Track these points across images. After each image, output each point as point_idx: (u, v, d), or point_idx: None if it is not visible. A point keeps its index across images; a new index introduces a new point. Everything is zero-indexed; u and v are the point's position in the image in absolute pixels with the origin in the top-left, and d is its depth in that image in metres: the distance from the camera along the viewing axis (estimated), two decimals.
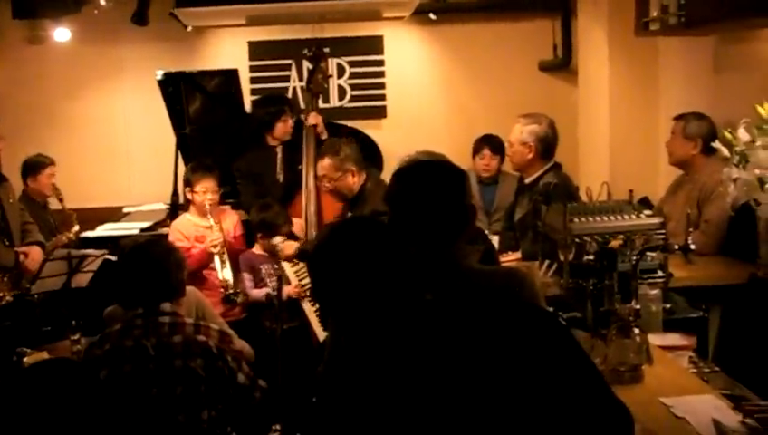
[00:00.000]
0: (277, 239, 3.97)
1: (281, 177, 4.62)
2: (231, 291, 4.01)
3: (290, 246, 3.99)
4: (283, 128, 4.63)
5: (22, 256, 4.03)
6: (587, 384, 1.45)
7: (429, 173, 2.00)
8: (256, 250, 4.18)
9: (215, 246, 4.05)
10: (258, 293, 4.06)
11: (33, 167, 5.03)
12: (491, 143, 5.11)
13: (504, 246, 3.80)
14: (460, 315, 1.48)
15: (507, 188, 4.72)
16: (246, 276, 4.12)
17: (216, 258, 4.06)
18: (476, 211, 2.07)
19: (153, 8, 5.54)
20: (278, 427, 3.62)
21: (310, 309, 3.94)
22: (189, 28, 5.70)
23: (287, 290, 3.88)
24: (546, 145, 3.72)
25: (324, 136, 4.37)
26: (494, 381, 1.39)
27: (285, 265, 4.01)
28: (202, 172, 4.14)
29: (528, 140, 3.70)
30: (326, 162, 3.84)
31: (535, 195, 3.60)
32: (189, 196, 4.18)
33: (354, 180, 3.83)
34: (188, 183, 4.16)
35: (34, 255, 4.09)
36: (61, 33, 6.00)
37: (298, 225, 4.22)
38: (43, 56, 6.21)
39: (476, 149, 5.21)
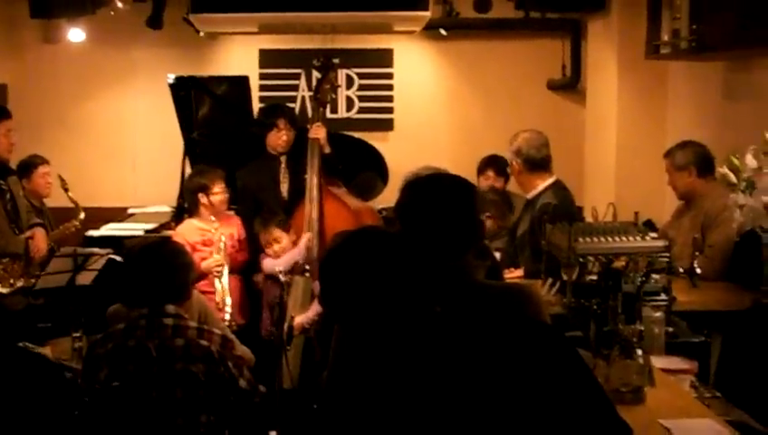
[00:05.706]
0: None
1: (284, 187, 4.59)
2: (228, 316, 4.01)
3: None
4: (275, 139, 4.48)
5: (30, 241, 4.12)
6: (591, 401, 1.46)
7: (440, 186, 2.01)
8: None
9: (217, 273, 4.09)
10: (271, 264, 4.03)
11: (26, 167, 4.88)
12: (495, 164, 4.91)
13: (505, 262, 3.80)
14: (468, 329, 1.49)
15: None
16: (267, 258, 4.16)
17: (216, 281, 4.10)
18: (485, 226, 2.08)
19: (167, 13, 5.61)
20: (274, 433, 3.62)
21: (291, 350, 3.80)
22: (202, 34, 5.74)
23: (298, 319, 3.86)
24: (529, 160, 3.66)
25: (327, 150, 4.34)
26: (500, 395, 1.40)
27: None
28: (215, 174, 4.25)
29: (511, 159, 3.77)
30: None
31: (535, 212, 3.60)
32: (205, 200, 4.21)
33: None
34: (204, 188, 4.21)
35: (39, 235, 4.22)
36: (75, 34, 6.06)
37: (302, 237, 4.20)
38: (57, 56, 6.28)
39: (480, 170, 5.08)
